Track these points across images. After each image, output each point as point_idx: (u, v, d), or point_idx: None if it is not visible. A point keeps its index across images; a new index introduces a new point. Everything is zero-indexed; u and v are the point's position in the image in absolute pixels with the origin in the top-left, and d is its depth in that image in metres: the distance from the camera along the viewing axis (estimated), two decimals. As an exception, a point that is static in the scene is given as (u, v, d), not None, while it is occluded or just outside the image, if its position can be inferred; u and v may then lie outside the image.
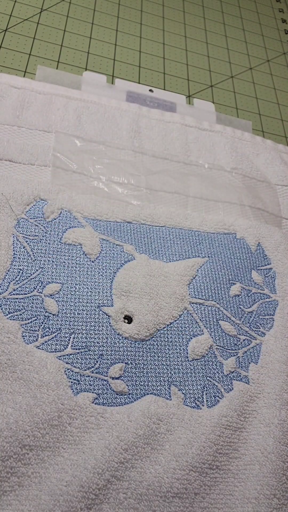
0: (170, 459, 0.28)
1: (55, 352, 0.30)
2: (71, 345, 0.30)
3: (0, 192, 0.34)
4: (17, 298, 0.31)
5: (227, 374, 0.32)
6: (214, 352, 0.33)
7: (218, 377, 0.32)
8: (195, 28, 0.59)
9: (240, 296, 0.36)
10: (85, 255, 0.34)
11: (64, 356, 0.30)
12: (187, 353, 0.32)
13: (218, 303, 0.35)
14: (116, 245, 0.35)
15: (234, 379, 0.32)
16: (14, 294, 0.31)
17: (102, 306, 0.32)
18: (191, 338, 0.33)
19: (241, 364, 0.33)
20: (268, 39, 0.63)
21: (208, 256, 0.37)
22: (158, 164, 0.42)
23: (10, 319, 0.30)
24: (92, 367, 0.30)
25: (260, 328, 0.35)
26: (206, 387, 0.31)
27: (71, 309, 0.32)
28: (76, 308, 0.32)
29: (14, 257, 0.32)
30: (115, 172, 0.39)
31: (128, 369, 0.31)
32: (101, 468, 0.26)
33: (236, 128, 0.48)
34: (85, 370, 0.30)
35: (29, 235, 0.34)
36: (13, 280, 0.31)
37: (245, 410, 0.31)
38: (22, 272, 0.32)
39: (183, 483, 0.27)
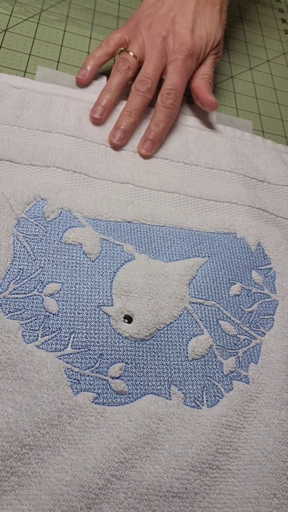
0: (170, 458, 0.28)
1: (55, 351, 0.30)
2: (71, 345, 0.30)
3: (1, 191, 0.34)
4: (17, 298, 0.31)
5: (227, 374, 0.32)
6: (214, 352, 0.33)
7: (218, 376, 0.32)
8: (195, 28, 0.59)
9: (240, 296, 0.36)
10: (85, 254, 0.34)
11: (64, 355, 0.30)
12: (187, 352, 0.32)
13: (218, 303, 0.35)
14: (116, 244, 0.35)
15: (234, 379, 0.32)
16: (14, 294, 0.31)
17: (102, 305, 0.32)
18: (191, 338, 0.33)
19: (241, 364, 0.33)
20: (268, 39, 0.63)
21: (208, 256, 0.37)
22: (158, 164, 0.42)
23: (10, 319, 0.30)
24: (92, 366, 0.30)
25: (260, 328, 0.35)
26: (206, 387, 0.31)
27: (71, 309, 0.32)
28: (76, 307, 0.32)
29: (14, 257, 0.32)
30: (115, 172, 0.39)
31: (128, 368, 0.31)
32: (101, 467, 0.26)
33: (236, 128, 0.48)
34: (85, 369, 0.30)
35: (29, 235, 0.34)
36: (13, 279, 0.31)
37: (245, 410, 0.31)
38: (22, 272, 0.32)
39: (183, 483, 0.27)
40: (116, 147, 0.41)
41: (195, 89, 0.45)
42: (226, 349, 0.33)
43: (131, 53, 0.44)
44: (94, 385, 0.29)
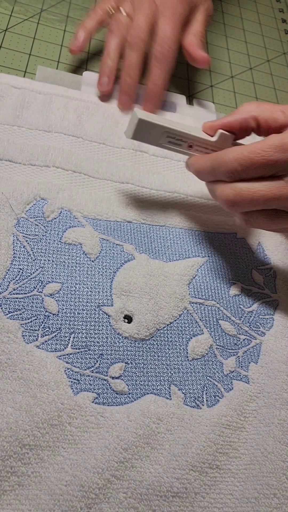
0: (170, 458, 0.28)
1: (55, 351, 0.30)
2: (71, 345, 0.30)
3: (1, 191, 0.34)
4: (17, 298, 0.31)
5: (227, 374, 0.32)
6: (214, 351, 0.33)
7: (218, 376, 0.32)
8: (195, 28, 0.59)
9: (240, 296, 0.36)
10: (85, 254, 0.34)
11: (64, 355, 0.30)
12: (187, 352, 0.32)
13: (218, 303, 0.35)
14: (116, 244, 0.35)
15: (234, 379, 0.32)
16: (14, 294, 0.31)
17: (102, 305, 0.32)
18: (191, 338, 0.33)
19: (241, 364, 0.33)
20: (268, 39, 0.63)
21: (208, 256, 0.37)
22: (158, 163, 0.42)
23: (10, 319, 0.30)
24: (92, 366, 0.30)
25: (260, 328, 0.35)
26: (206, 387, 0.31)
27: (71, 309, 0.32)
28: (76, 307, 0.32)
29: (14, 257, 0.32)
30: (115, 171, 0.39)
31: (128, 368, 0.31)
32: (101, 467, 0.26)
33: (236, 128, 0.48)
34: (85, 369, 0.30)
35: (29, 235, 0.34)
36: (13, 279, 0.31)
37: (245, 409, 0.31)
38: (22, 272, 0.32)
39: (183, 483, 0.27)
40: (126, 111, 0.44)
41: (186, 46, 0.45)
42: (226, 349, 0.33)
43: (122, 12, 0.43)
44: (94, 385, 0.29)
